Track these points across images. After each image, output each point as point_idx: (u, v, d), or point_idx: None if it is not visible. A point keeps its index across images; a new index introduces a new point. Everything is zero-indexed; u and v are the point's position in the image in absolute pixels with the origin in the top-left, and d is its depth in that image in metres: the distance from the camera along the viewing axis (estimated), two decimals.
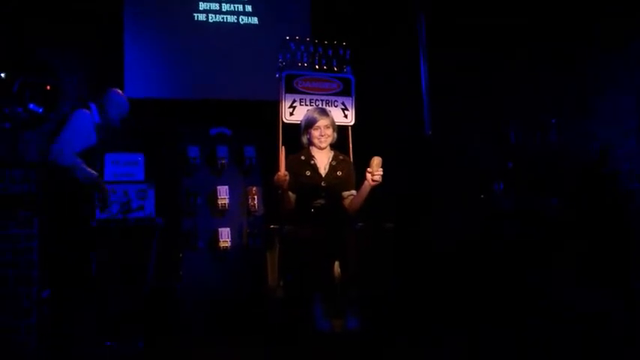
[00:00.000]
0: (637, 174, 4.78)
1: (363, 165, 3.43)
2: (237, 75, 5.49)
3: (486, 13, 5.55)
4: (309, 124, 3.64)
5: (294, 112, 4.10)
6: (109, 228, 4.04)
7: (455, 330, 3.99)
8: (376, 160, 3.35)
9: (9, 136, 4.86)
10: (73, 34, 5.19)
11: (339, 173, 3.62)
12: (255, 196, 4.91)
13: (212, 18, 5.60)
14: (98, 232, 3.98)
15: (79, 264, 3.87)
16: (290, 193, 3.54)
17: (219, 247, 4.74)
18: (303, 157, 3.64)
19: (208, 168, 4.94)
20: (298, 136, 3.74)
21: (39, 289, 3.78)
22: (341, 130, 3.91)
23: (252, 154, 4.93)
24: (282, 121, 4.04)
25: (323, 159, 3.65)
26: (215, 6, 5.62)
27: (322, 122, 3.61)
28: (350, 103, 4.23)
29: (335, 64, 4.27)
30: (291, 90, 4.14)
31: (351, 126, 4.20)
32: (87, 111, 4.02)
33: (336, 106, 4.19)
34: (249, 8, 5.70)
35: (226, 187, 4.87)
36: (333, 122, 3.70)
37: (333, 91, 4.21)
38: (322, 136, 3.61)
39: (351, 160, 3.84)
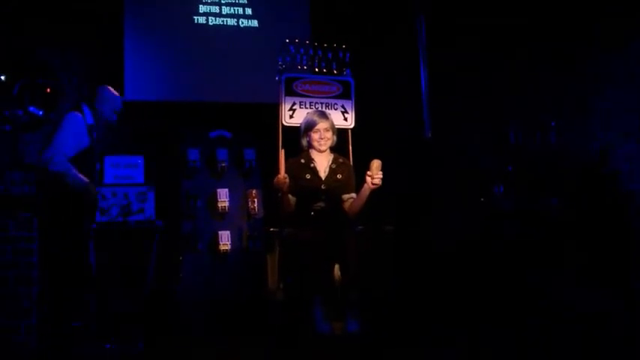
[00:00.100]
0: (637, 174, 4.80)
1: (362, 168, 3.43)
2: (236, 77, 5.48)
3: (486, 13, 5.54)
4: (309, 126, 3.64)
5: (293, 114, 4.10)
6: (109, 230, 4.04)
7: (455, 330, 3.99)
8: (376, 163, 3.35)
9: (9, 138, 4.86)
10: (72, 34, 5.19)
11: (338, 176, 3.62)
12: (255, 199, 4.89)
13: (212, 21, 5.59)
14: (98, 234, 3.98)
15: (79, 264, 3.88)
16: (290, 196, 3.54)
17: (219, 250, 4.73)
18: (303, 160, 3.64)
19: (208, 171, 4.92)
20: (298, 138, 3.74)
21: (39, 290, 3.78)
22: (340, 132, 3.91)
23: (252, 157, 4.90)
24: (282, 124, 4.04)
25: (323, 162, 3.65)
26: (215, 9, 5.61)
27: (322, 125, 3.62)
28: (350, 105, 4.23)
29: (335, 66, 4.27)
30: (291, 93, 4.13)
31: (350, 128, 4.20)
32: (78, 113, 4.03)
33: (335, 109, 4.19)
34: (249, 11, 5.69)
35: (226, 189, 4.85)
36: (332, 125, 3.70)
37: (333, 94, 4.21)
38: (322, 139, 3.61)
39: (351, 162, 3.85)
